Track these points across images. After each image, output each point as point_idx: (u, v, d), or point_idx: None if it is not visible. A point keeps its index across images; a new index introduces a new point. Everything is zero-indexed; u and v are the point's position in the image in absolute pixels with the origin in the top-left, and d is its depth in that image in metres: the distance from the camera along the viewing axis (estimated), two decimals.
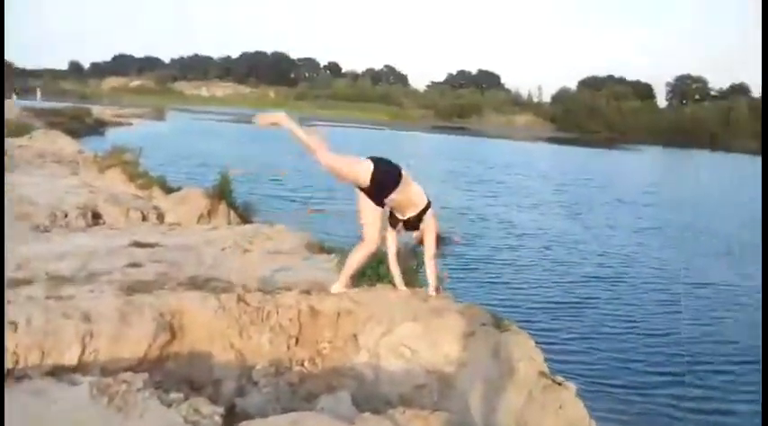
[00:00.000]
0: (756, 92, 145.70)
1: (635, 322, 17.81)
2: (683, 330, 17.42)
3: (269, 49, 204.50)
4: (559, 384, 7.74)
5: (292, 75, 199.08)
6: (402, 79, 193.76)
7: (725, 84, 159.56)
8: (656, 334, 16.90)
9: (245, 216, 15.61)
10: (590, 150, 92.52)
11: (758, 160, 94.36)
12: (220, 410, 5.20)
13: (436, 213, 8.85)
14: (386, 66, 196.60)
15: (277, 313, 7.30)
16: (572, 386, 7.74)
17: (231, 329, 6.92)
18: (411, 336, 7.89)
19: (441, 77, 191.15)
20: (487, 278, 21.11)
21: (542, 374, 7.83)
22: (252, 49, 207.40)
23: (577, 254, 25.83)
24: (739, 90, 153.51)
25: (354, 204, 8.53)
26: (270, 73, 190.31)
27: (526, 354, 8.05)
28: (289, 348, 7.10)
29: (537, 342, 12.15)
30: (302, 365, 7.01)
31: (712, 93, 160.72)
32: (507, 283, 20.64)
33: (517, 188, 45.27)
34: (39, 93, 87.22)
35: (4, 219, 7.42)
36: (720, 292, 21.31)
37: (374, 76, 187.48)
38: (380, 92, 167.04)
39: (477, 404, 7.72)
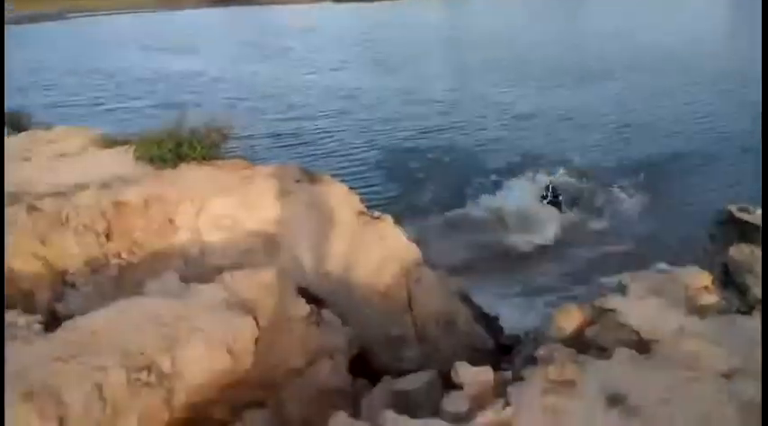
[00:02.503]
0: None
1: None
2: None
3: None
4: (377, 218, 8.22)
5: None
6: None
7: None
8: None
9: (17, 126, 13.90)
10: (375, 4, 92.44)
11: None
12: (37, 317, 4.90)
13: None
14: None
15: (77, 214, 6.83)
16: (389, 217, 8.25)
17: (29, 240, 6.40)
18: (228, 207, 7.82)
19: None
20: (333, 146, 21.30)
21: (360, 213, 8.22)
22: None
23: (418, 105, 26.53)
24: None
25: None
26: None
27: (342, 200, 8.34)
28: (100, 245, 6.75)
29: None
30: (120, 257, 6.75)
31: None
32: (361, 150, 20.90)
33: (326, 50, 44.61)
34: None
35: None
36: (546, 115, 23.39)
37: None
38: None
39: (306, 256, 8.00)
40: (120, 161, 9.14)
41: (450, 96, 28.09)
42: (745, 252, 8.02)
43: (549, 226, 14.92)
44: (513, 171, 17.72)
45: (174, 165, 8.62)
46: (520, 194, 16.33)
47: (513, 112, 24.43)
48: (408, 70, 34.93)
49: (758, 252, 7.99)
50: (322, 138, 22.13)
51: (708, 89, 26.42)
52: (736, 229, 9.65)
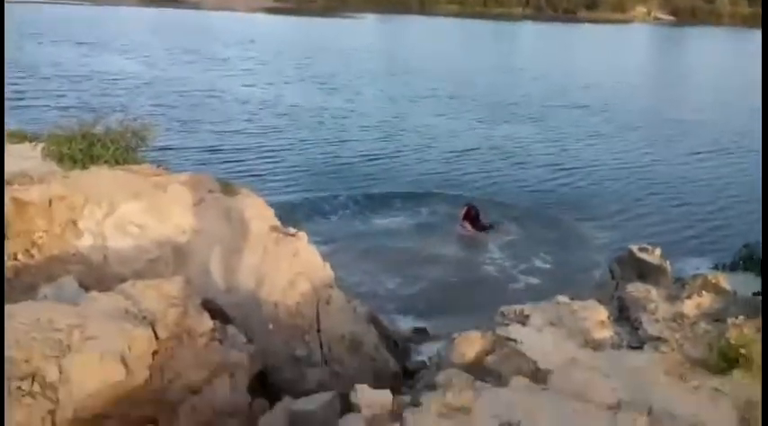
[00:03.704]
0: None
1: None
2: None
3: None
4: (292, 234, 8.17)
5: None
6: None
7: None
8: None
9: None
10: (312, 19, 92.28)
11: (459, 21, 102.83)
12: None
13: None
14: None
15: None
16: (303, 234, 8.22)
17: None
18: (136, 213, 7.56)
19: None
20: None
21: (274, 228, 8.15)
22: None
23: (356, 128, 26.63)
24: None
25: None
26: None
27: (257, 213, 8.25)
28: None
29: None
30: (16, 259, 6.41)
31: None
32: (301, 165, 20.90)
33: (264, 63, 43.85)
34: None
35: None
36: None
37: None
38: None
39: (216, 268, 7.84)
40: (27, 157, 8.74)
41: (399, 121, 28.48)
42: (641, 290, 8.44)
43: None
44: None
45: (84, 166, 8.31)
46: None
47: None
48: (354, 91, 34.92)
49: (654, 291, 8.45)
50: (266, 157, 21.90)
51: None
52: (635, 268, 10.18)
